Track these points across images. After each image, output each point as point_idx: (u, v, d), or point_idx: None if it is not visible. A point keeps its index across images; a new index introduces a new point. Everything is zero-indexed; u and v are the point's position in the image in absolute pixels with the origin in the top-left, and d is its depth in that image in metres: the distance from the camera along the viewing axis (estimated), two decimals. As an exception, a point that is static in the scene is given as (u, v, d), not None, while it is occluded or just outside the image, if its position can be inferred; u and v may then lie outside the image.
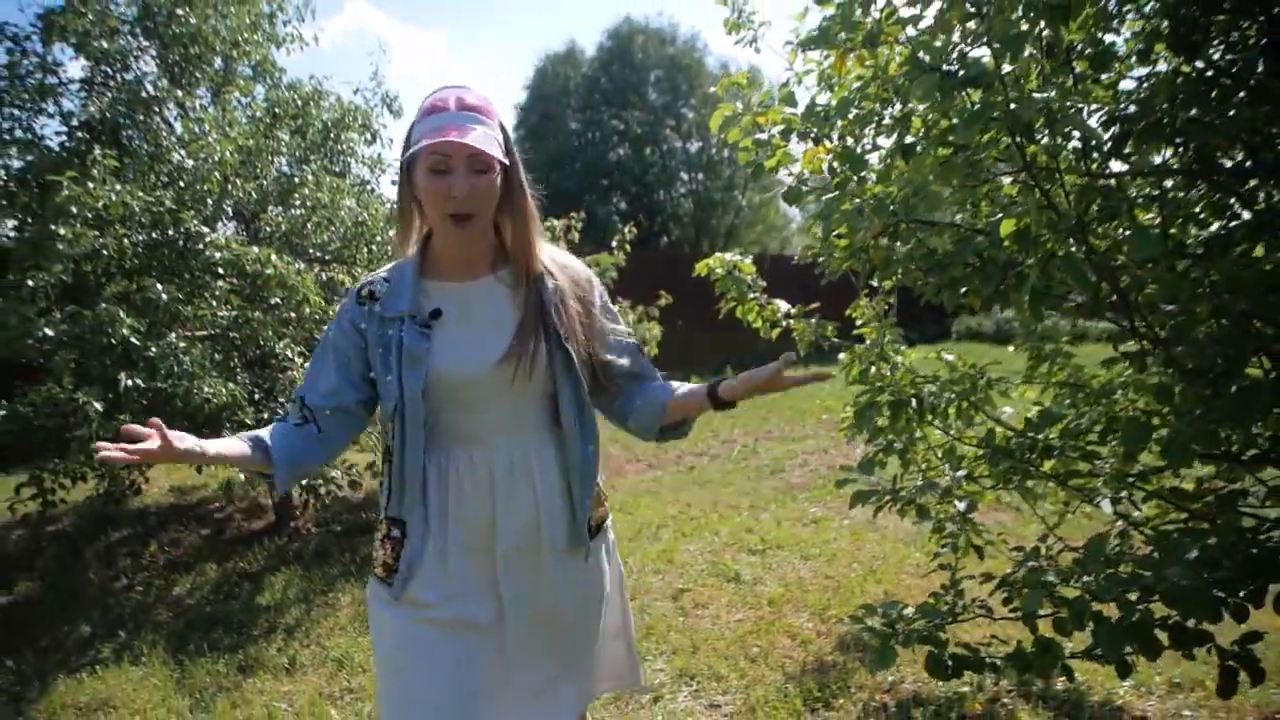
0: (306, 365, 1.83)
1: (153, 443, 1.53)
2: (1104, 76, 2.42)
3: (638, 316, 7.81)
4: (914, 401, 2.54)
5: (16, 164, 5.43)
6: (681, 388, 1.90)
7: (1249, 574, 1.85)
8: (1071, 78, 2.03)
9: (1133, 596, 1.80)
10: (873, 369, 2.87)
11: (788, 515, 6.08)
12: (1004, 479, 2.69)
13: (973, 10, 1.74)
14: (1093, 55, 1.96)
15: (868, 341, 2.99)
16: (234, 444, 1.70)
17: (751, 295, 3.17)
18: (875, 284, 2.77)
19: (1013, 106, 1.63)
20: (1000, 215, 1.95)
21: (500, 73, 69.32)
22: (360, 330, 1.78)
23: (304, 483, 5.14)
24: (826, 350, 3.08)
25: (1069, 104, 1.65)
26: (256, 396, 5.05)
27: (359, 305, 1.80)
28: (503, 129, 1.75)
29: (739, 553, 5.23)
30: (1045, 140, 1.82)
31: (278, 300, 5.31)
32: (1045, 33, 1.79)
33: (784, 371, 1.75)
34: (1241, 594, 1.85)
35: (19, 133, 5.53)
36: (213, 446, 1.63)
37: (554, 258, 1.89)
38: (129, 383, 4.36)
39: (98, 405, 4.31)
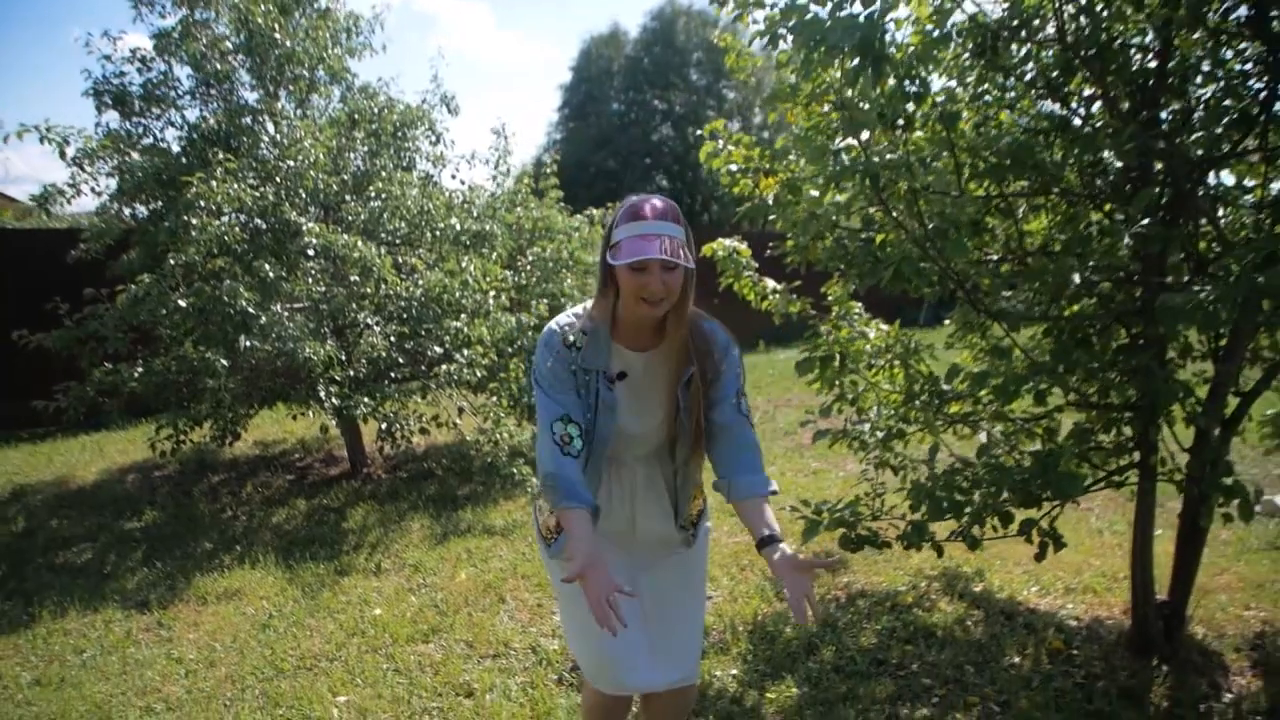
0: (535, 398, 2.24)
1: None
2: (992, 119, 3.34)
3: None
4: (838, 358, 3.46)
5: (141, 162, 6.50)
6: (754, 509, 2.18)
7: (1039, 473, 2.78)
8: (942, 126, 2.94)
9: (957, 479, 2.74)
10: (831, 333, 3.77)
11: (792, 468, 7.01)
12: (919, 419, 3.61)
13: (836, 104, 2.67)
14: (946, 113, 2.86)
15: (833, 312, 3.88)
16: (588, 527, 2.06)
17: (747, 274, 4.04)
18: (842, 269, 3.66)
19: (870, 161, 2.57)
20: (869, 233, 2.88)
21: (546, 47, 69.98)
22: (572, 371, 2.19)
23: (382, 427, 6.16)
24: (796, 322, 3.96)
25: (911, 157, 2.57)
26: (343, 358, 6.05)
27: (567, 349, 2.20)
28: (686, 229, 2.14)
29: (745, 495, 6.17)
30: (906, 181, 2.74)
31: (356, 278, 6.34)
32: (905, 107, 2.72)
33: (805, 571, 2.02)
34: (1034, 486, 2.78)
35: (147, 139, 6.63)
36: (585, 542, 2.01)
37: (699, 330, 2.26)
38: (247, 344, 5.41)
39: (224, 361, 5.36)
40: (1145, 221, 2.79)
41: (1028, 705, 3.09)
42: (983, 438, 3.37)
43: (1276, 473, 6.15)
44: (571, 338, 2.20)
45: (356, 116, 6.96)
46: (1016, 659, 3.49)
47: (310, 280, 6.09)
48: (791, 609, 1.95)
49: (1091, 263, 2.82)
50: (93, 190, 6.56)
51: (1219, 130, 2.77)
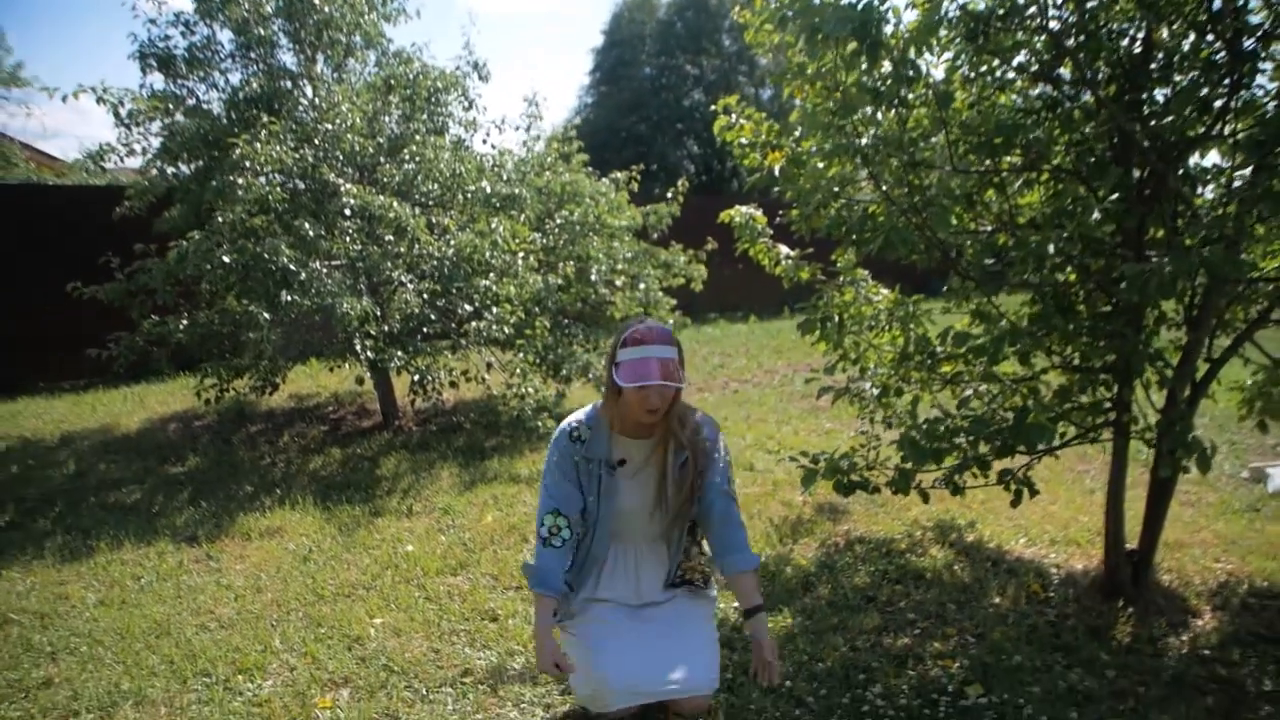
0: (543, 482, 2.65)
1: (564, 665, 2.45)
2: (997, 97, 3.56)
3: (688, 259, 8.96)
4: (838, 318, 3.73)
5: (187, 123, 6.84)
6: (740, 581, 2.57)
7: (1014, 425, 3.05)
8: (938, 106, 3.19)
9: (938, 429, 3.02)
10: (834, 296, 4.03)
11: (806, 428, 7.30)
12: (917, 378, 3.88)
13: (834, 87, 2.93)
14: (940, 93, 3.11)
15: (841, 278, 4.14)
16: (548, 613, 2.51)
17: (761, 239, 4.30)
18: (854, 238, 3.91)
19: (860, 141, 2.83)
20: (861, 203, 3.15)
21: (576, 10, 69.60)
22: (575, 462, 2.60)
23: (415, 379, 6.48)
24: (804, 287, 4.22)
25: (906, 135, 2.82)
26: (378, 314, 6.37)
27: (572, 443, 2.61)
28: (679, 349, 2.51)
29: (758, 451, 6.48)
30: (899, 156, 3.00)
31: (390, 238, 6.65)
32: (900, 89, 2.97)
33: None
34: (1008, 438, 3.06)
35: (190, 102, 6.96)
36: (548, 630, 2.49)
37: (690, 425, 2.62)
38: (288, 299, 5.74)
39: (266, 314, 5.70)
40: (1114, 198, 3.03)
41: (1000, 637, 3.39)
42: (969, 392, 3.64)
43: (1270, 442, 6.36)
44: (577, 434, 2.62)
45: (393, 82, 7.24)
46: (997, 599, 3.78)
47: (347, 239, 6.40)
48: (757, 668, 2.50)
49: (1065, 234, 3.06)
50: (144, 150, 6.90)
51: (1190, 115, 2.99)
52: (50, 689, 3.35)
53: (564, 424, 2.67)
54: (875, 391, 3.84)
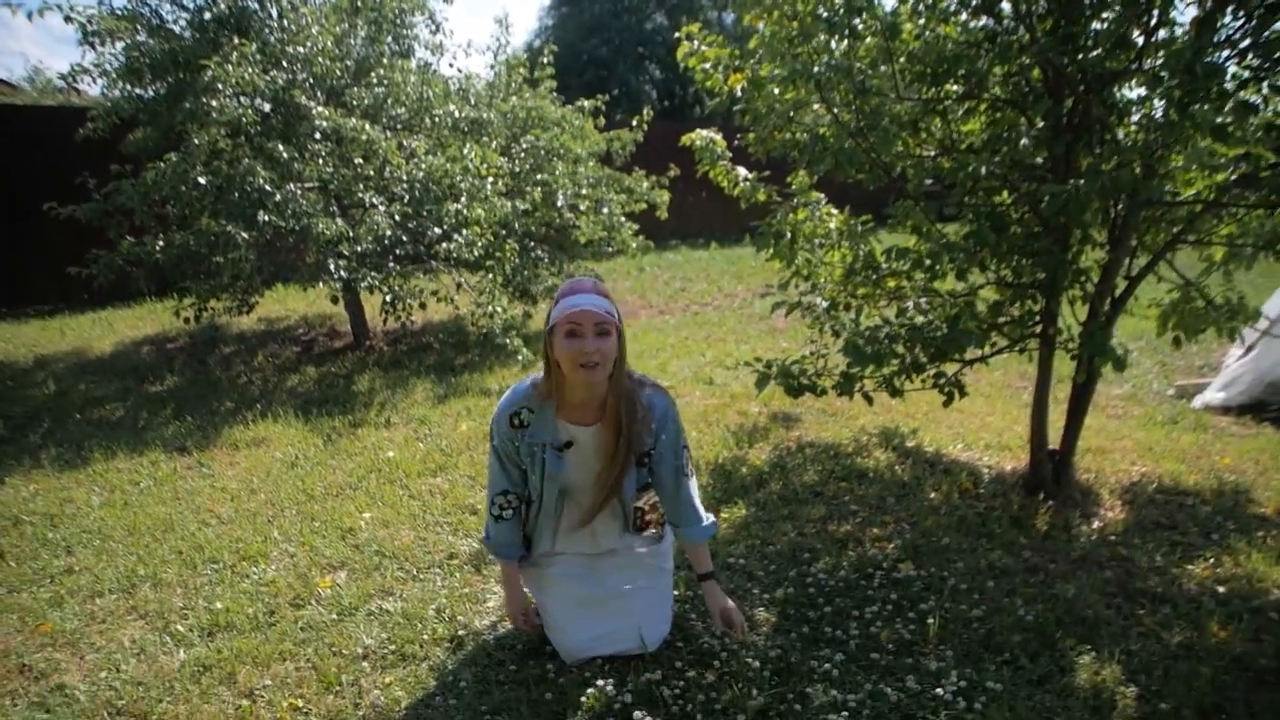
0: (491, 464, 2.75)
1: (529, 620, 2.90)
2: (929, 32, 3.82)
3: (650, 185, 9.17)
4: (789, 233, 4.02)
5: (149, 43, 6.87)
6: (694, 551, 2.87)
7: (949, 332, 3.38)
8: (886, 36, 3.45)
9: (879, 334, 3.35)
10: (788, 215, 4.30)
11: (763, 346, 7.63)
12: (864, 293, 4.19)
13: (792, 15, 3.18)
14: (887, 24, 3.37)
15: (796, 200, 4.41)
16: (514, 576, 2.86)
17: (721, 162, 4.54)
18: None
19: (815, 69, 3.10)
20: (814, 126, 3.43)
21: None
22: (515, 446, 2.62)
23: (387, 299, 6.67)
24: (761, 208, 4.48)
25: (857, 63, 3.10)
26: (350, 235, 6.55)
27: (512, 429, 2.61)
28: (615, 307, 2.46)
29: (717, 368, 6.81)
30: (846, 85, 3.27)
31: (360, 161, 6.80)
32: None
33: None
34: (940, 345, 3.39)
35: (154, 20, 7.00)
36: (516, 588, 2.86)
37: (635, 402, 2.60)
38: (265, 219, 5.92)
39: (244, 235, 5.88)
40: (1044, 126, 3.33)
41: (931, 524, 3.77)
42: (910, 306, 3.96)
43: (1198, 364, 6.81)
44: (519, 419, 2.61)
45: (359, 4, 7.31)
46: (931, 494, 4.16)
47: (320, 162, 6.55)
48: (717, 620, 2.84)
49: (998, 159, 3.36)
50: (114, 71, 6.90)
51: (1112, 49, 3.27)
52: (73, 575, 3.64)
53: (503, 403, 2.64)
54: (824, 304, 4.14)
